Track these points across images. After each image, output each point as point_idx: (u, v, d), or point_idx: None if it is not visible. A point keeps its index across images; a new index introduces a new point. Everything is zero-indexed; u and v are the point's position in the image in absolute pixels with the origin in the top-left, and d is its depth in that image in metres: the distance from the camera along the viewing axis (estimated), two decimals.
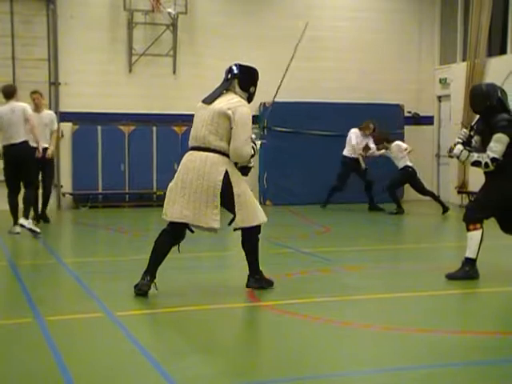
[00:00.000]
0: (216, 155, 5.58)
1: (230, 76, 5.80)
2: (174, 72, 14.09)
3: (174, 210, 5.66)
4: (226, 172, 5.56)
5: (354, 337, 4.68)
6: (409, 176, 12.45)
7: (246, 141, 5.60)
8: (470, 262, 6.32)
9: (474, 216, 6.31)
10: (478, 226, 6.27)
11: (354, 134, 12.85)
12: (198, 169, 5.57)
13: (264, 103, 14.40)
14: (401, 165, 12.44)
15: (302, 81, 14.36)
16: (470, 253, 6.29)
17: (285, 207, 13.49)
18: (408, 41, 15.21)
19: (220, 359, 4.16)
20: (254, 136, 5.85)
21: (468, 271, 6.31)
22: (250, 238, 5.81)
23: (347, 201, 13.33)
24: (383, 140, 12.65)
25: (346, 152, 12.91)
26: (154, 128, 13.90)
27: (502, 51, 13.78)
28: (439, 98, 15.43)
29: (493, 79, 12.90)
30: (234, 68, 5.81)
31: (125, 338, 4.56)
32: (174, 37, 13.94)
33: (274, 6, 14.63)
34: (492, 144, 6.14)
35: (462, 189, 13.90)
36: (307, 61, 14.55)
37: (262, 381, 3.83)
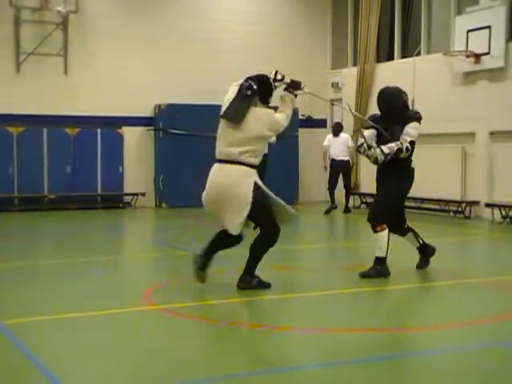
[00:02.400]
0: (247, 168, 5.97)
1: (250, 93, 6.11)
2: (66, 72, 13.68)
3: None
4: (255, 183, 5.91)
5: (257, 338, 4.68)
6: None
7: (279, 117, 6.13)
8: (380, 261, 6.47)
9: (379, 217, 6.48)
10: (384, 226, 6.44)
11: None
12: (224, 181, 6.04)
13: (159, 105, 14.26)
14: None
15: (199, 83, 14.34)
16: (381, 252, 6.44)
17: (182, 209, 13.39)
18: (301, 45, 15.52)
19: (114, 365, 4.05)
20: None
21: (380, 269, 6.46)
22: (261, 239, 5.99)
23: None
24: None
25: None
26: (45, 130, 13.41)
27: (390, 57, 14.34)
28: (332, 101, 15.78)
29: (381, 84, 13.42)
30: (253, 84, 6.17)
31: (14, 347, 4.36)
32: (65, 36, 13.55)
33: (168, 6, 14.51)
34: (409, 130, 6.43)
35: (354, 190, 14.30)
36: (201, 63, 14.57)
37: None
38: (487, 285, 6.38)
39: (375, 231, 6.48)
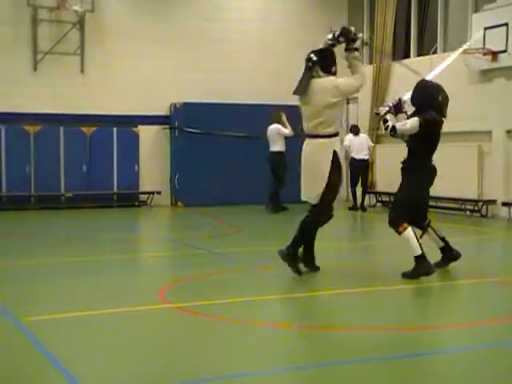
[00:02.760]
0: (325, 140, 6.27)
1: (310, 64, 6.31)
2: (82, 71, 13.76)
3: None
4: (335, 152, 6.25)
5: (261, 336, 4.68)
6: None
7: (353, 82, 6.33)
8: (419, 259, 6.33)
9: (396, 219, 6.41)
10: (405, 225, 6.34)
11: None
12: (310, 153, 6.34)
13: (175, 104, 14.30)
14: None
15: (213, 82, 14.39)
16: (414, 251, 6.32)
17: (197, 208, 13.43)
18: (316, 44, 15.31)
19: (129, 363, 4.07)
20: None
21: (418, 268, 6.31)
22: (315, 215, 6.37)
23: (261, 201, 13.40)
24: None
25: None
26: (61, 128, 13.50)
27: (406, 56, 14.27)
28: (347, 100, 15.76)
29: (397, 82, 13.38)
30: (313, 56, 6.35)
31: (31, 344, 4.39)
32: (81, 35, 13.62)
33: (182, 6, 14.56)
34: (407, 121, 6.40)
35: (370, 189, 14.24)
36: (217, 62, 14.60)
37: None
38: (504, 284, 6.33)
39: (399, 233, 6.41)
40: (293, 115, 13.62)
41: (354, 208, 13.33)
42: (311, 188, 6.34)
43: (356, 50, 6.40)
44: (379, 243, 9.30)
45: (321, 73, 6.31)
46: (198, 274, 6.70)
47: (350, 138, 13.43)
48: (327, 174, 6.21)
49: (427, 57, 13.35)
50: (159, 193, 14.15)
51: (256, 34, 15.01)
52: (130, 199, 14.17)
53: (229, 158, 14.18)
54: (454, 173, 12.14)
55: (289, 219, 12.10)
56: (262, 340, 4.57)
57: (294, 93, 6.39)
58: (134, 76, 14.07)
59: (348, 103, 15.74)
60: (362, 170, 13.37)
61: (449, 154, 12.13)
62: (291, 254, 6.39)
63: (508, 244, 9.67)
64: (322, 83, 6.25)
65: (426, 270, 6.30)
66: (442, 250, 6.76)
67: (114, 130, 13.86)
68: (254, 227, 11.09)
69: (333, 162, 6.23)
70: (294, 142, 12.86)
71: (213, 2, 14.86)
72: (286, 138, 12.69)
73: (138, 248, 9.38)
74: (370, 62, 14.85)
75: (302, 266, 6.46)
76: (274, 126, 12.81)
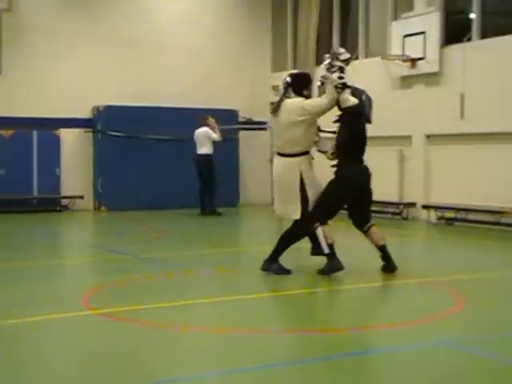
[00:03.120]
0: (291, 159, 6.53)
1: (285, 86, 6.71)
2: (0, 72, 13.31)
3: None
4: (301, 172, 6.49)
5: (194, 340, 4.65)
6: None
7: (321, 102, 6.57)
8: (328, 257, 6.54)
9: (312, 217, 6.53)
10: (317, 224, 6.51)
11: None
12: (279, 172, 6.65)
13: (97, 107, 14.04)
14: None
15: (139, 84, 14.21)
16: (324, 249, 6.53)
17: (121, 213, 13.22)
18: (243, 48, 15.53)
19: (52, 375, 3.95)
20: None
21: (332, 264, 6.54)
22: (292, 229, 6.62)
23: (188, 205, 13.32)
24: None
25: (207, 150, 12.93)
26: None
27: None
28: (272, 103, 15.87)
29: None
30: (288, 78, 6.75)
31: None
32: None
33: (106, 6, 14.30)
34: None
35: None
36: (144, 65, 14.43)
37: None
38: (424, 285, 6.51)
39: (312, 230, 6.57)
40: (222, 120, 13.73)
41: None
42: (283, 206, 6.64)
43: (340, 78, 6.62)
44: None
45: (292, 94, 6.66)
46: (123, 280, 6.59)
47: None
48: (298, 193, 6.46)
49: None
50: (82, 197, 13.84)
51: (185, 38, 14.91)
52: (51, 204, 13.79)
53: (154, 161, 14.04)
54: (376, 176, 12.36)
55: (216, 223, 12.10)
56: (190, 344, 4.53)
57: (271, 112, 6.84)
58: (54, 77, 13.72)
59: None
60: None
61: (371, 158, 12.38)
62: (270, 264, 6.63)
63: (428, 245, 9.97)
64: (291, 103, 6.59)
65: (336, 267, 6.55)
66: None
67: (34, 132, 13.48)
68: (180, 231, 11.01)
69: (301, 180, 6.47)
70: (222, 145, 13.01)
71: (140, 3, 14.66)
72: (214, 142, 12.74)
73: (59, 254, 9.14)
74: (294, 68, 15.02)
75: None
76: (204, 130, 12.80)
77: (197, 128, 12.86)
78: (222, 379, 3.87)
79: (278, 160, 6.69)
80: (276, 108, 6.69)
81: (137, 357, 4.23)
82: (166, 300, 5.71)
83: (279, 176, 6.65)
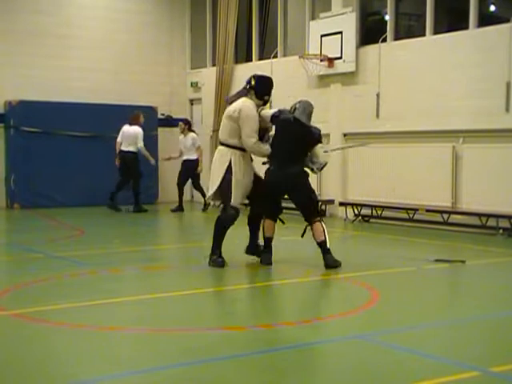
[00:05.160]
0: (225, 148, 6.85)
1: (248, 86, 6.91)
2: None
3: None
4: (230, 161, 6.76)
5: (110, 340, 4.56)
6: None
7: (249, 134, 6.71)
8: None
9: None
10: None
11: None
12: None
13: (10, 102, 13.57)
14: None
15: (52, 80, 13.84)
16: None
17: (36, 210, 12.82)
18: (160, 44, 15.36)
19: None
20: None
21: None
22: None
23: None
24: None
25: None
26: None
27: (248, 59, 14.57)
28: (191, 101, 15.84)
29: (240, 84, 13.58)
30: (252, 80, 6.94)
31: None
32: None
33: None
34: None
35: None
36: (57, 59, 14.05)
37: None
38: (342, 280, 6.63)
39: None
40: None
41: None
42: (210, 187, 6.98)
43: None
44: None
45: (253, 97, 6.90)
46: (36, 279, 6.38)
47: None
48: (220, 179, 6.80)
49: (268, 61, 13.72)
50: None
51: (99, 32, 14.61)
52: None
53: (70, 158, 13.71)
54: None
55: (133, 220, 11.93)
56: (106, 344, 4.44)
57: (227, 103, 7.25)
58: None
59: (192, 104, 15.81)
60: (190, 170, 13.23)
61: None
62: (212, 251, 6.91)
63: (346, 241, 10.15)
64: (240, 101, 6.86)
65: (265, 261, 7.04)
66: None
67: None
68: (96, 229, 10.77)
69: (227, 169, 6.76)
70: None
71: None
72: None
73: None
74: (214, 64, 15.00)
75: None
76: (137, 131, 12.67)
77: (124, 124, 12.72)
78: (140, 378, 3.80)
79: (218, 148, 7.03)
80: (232, 102, 6.97)
81: (49, 358, 4.11)
82: (81, 299, 5.57)
83: (214, 162, 6.97)
